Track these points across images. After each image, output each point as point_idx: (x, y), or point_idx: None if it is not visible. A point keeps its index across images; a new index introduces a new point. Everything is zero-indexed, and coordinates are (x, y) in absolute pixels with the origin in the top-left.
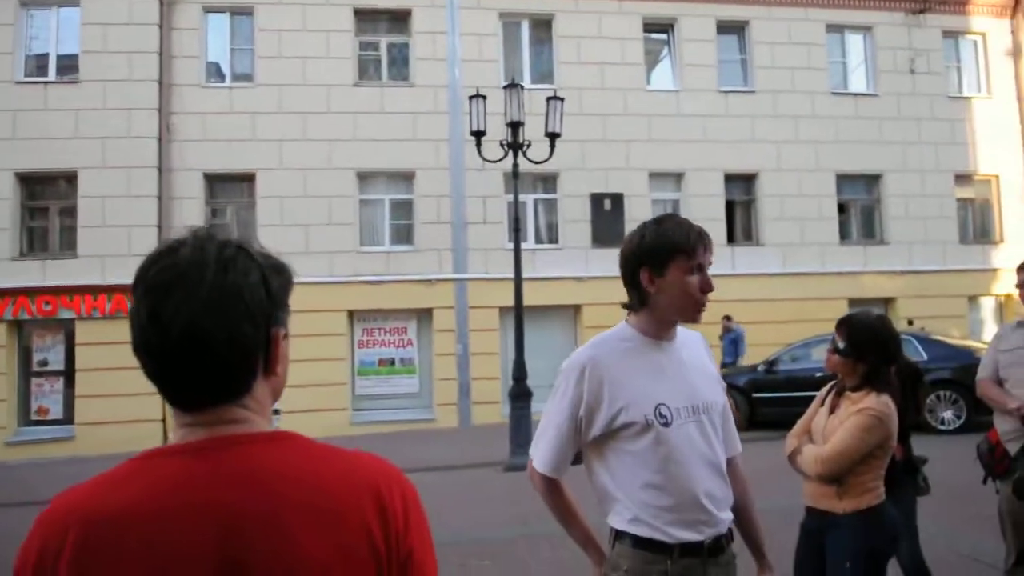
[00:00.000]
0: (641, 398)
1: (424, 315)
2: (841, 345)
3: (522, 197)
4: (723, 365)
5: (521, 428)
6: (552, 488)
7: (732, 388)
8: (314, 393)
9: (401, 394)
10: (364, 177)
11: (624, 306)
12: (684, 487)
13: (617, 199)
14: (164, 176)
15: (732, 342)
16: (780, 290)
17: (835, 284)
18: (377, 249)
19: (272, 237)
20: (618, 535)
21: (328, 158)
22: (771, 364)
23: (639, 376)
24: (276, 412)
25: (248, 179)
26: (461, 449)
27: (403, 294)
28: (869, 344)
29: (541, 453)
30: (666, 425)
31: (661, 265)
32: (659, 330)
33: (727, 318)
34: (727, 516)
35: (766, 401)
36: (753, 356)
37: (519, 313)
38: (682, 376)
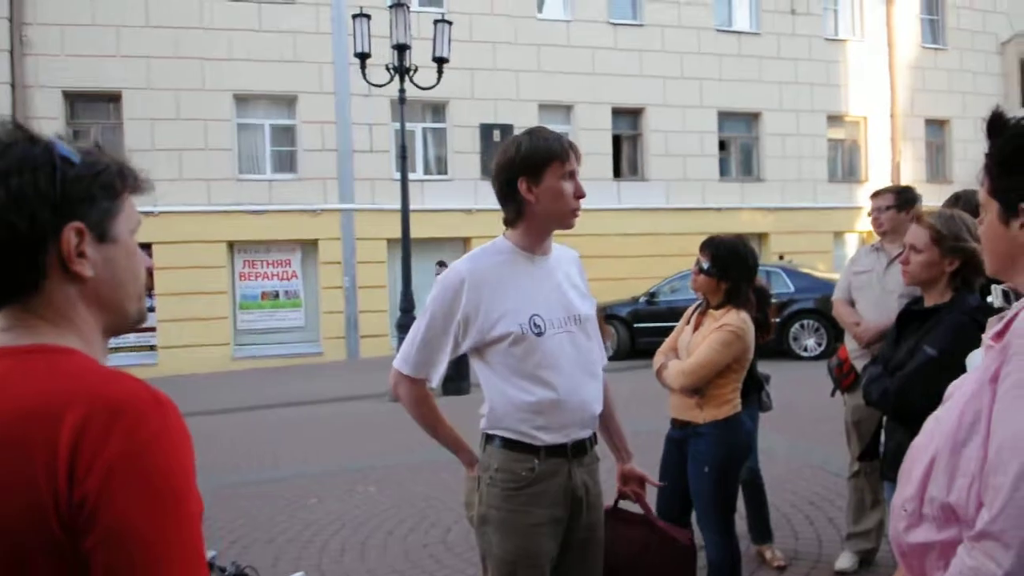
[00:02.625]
0: (517, 309)
1: (309, 247)
2: (705, 265)
3: (410, 126)
4: None
5: None
6: (416, 394)
7: (613, 318)
8: (193, 328)
9: (286, 328)
10: (242, 100)
11: (505, 222)
12: (556, 392)
13: (507, 130)
14: (18, 93)
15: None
16: (663, 225)
17: (714, 220)
18: (258, 177)
19: (142, 162)
20: (488, 438)
21: (202, 78)
22: (652, 296)
23: (515, 288)
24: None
25: (114, 99)
26: (348, 382)
27: (286, 225)
28: (731, 263)
29: (403, 354)
30: (539, 334)
31: (537, 173)
32: (534, 243)
33: (441, 264)
34: (594, 419)
35: (646, 331)
36: (636, 288)
37: (407, 245)
38: (556, 288)
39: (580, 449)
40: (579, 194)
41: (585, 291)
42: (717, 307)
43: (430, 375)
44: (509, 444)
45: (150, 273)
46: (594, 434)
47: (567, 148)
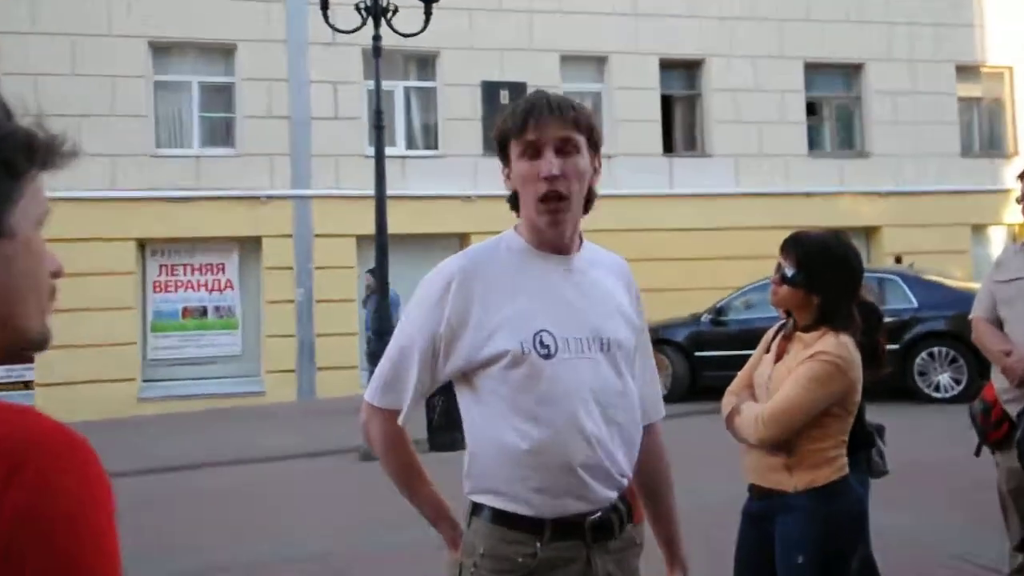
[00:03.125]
0: (519, 320)
1: (250, 246)
2: (789, 271)
3: (388, 84)
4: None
5: None
6: (387, 433)
7: (666, 345)
8: (86, 358)
9: (216, 358)
10: (161, 50)
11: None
12: (562, 439)
13: (518, 91)
14: None
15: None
16: (732, 216)
17: (802, 208)
18: (181, 153)
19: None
20: (473, 507)
21: (107, 20)
22: (718, 313)
23: (519, 293)
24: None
25: None
26: (303, 432)
27: (219, 217)
28: (825, 268)
29: (373, 380)
30: (546, 356)
31: (504, 153)
32: (542, 239)
33: (372, 273)
34: (621, 485)
35: (711, 362)
36: (697, 303)
37: (383, 244)
38: (579, 298)
39: (604, 528)
40: (542, 173)
41: (631, 313)
42: (807, 329)
43: (400, 403)
44: (501, 517)
45: (57, 277)
46: (627, 505)
47: (521, 113)
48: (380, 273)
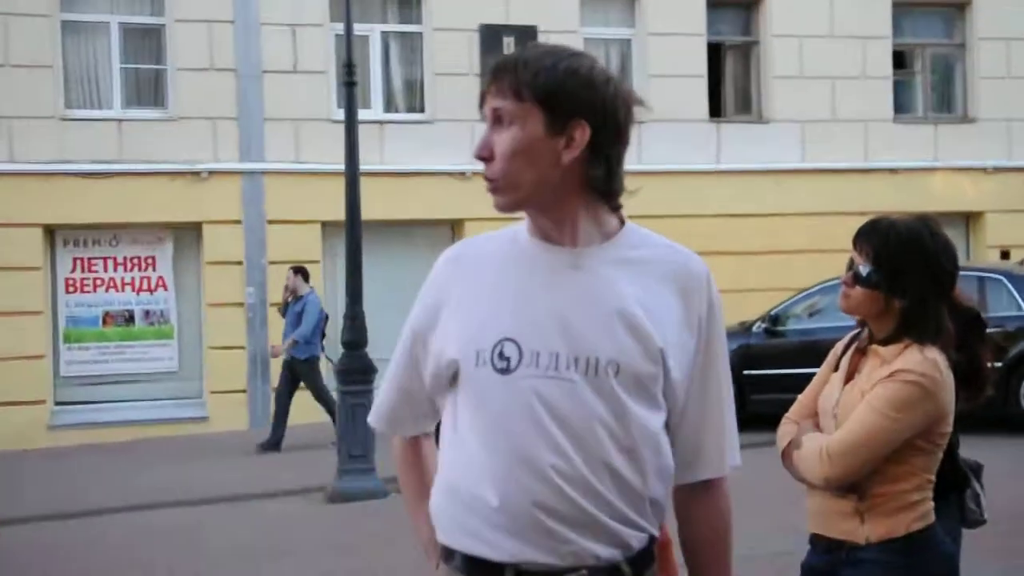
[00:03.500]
0: (480, 325)
1: (187, 235)
2: (864, 269)
3: (361, 28)
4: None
5: (357, 427)
6: (400, 452)
7: None
8: None
9: (147, 375)
10: None
11: None
12: (510, 471)
13: (525, 37)
14: None
15: (298, 315)
16: (794, 197)
17: (885, 189)
18: (98, 115)
19: None
20: (445, 554)
21: None
22: (774, 321)
23: (497, 293)
24: None
25: None
26: (255, 468)
27: (147, 197)
28: (910, 264)
29: (378, 396)
30: (504, 372)
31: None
32: (542, 227)
33: (296, 272)
34: (624, 542)
35: (765, 383)
36: (747, 308)
37: (354, 232)
38: (572, 304)
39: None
40: (476, 151)
41: (658, 330)
42: (886, 341)
43: (404, 426)
44: (469, 564)
45: None
46: (649, 551)
47: (486, 80)
48: (349, 267)
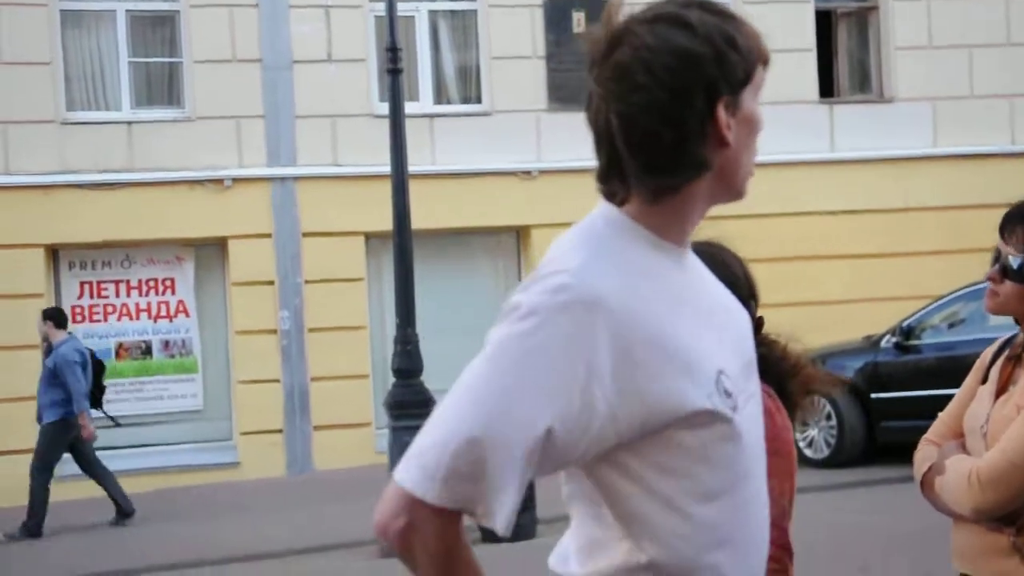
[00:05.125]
0: (695, 364)
1: (210, 252)
2: (1016, 261)
3: (406, 8)
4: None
5: None
6: (445, 545)
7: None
8: None
9: (167, 415)
10: None
11: (623, 187)
12: (751, 528)
13: (597, 7)
14: None
15: (52, 371)
16: (925, 190)
17: None
18: (105, 117)
19: None
20: None
21: None
22: (907, 334)
23: (679, 323)
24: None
25: None
26: (296, 519)
27: (163, 210)
28: None
29: (424, 459)
30: (735, 410)
31: (740, 87)
32: (687, 229)
33: (47, 317)
34: None
35: (898, 407)
36: (872, 320)
37: (403, 244)
38: (721, 310)
39: None
40: (761, 127)
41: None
42: None
43: (488, 508)
44: None
45: None
46: None
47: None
48: (399, 285)
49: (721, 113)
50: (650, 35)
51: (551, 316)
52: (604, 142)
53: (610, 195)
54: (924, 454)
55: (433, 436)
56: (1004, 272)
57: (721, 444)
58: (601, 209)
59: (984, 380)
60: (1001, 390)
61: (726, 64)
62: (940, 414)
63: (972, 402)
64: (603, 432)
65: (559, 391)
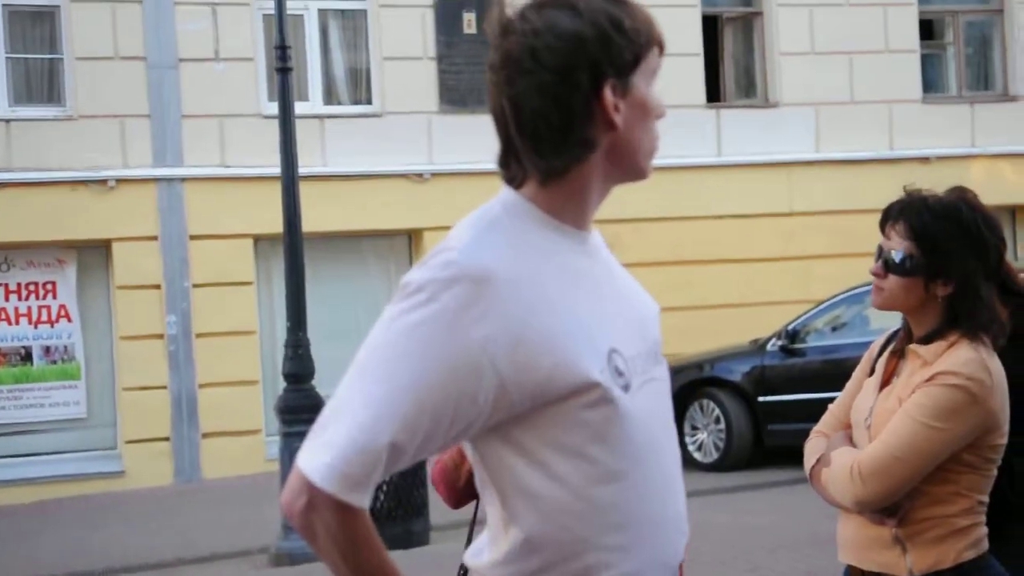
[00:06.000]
0: (586, 339)
1: (93, 255)
2: (898, 255)
3: (296, 6)
4: None
5: None
6: (351, 531)
7: (718, 386)
8: None
9: (49, 424)
10: None
11: (519, 171)
12: (652, 511)
13: (488, 9)
14: None
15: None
16: (810, 193)
17: (916, 180)
18: None
19: None
20: None
21: None
22: (792, 338)
23: (574, 299)
24: None
25: None
26: (184, 528)
27: (44, 210)
28: (952, 240)
29: (326, 451)
30: (626, 388)
31: (630, 70)
32: (586, 211)
33: None
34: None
35: (784, 410)
36: (760, 323)
37: (294, 247)
38: (622, 295)
39: None
40: (661, 112)
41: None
42: (929, 338)
43: (365, 494)
44: None
45: None
46: None
47: (651, 19)
48: (289, 288)
49: (608, 95)
50: (538, 20)
51: (438, 291)
52: (501, 128)
53: (510, 180)
54: (813, 446)
55: (334, 423)
56: (887, 266)
57: (615, 424)
58: (500, 194)
59: (872, 372)
60: (885, 383)
61: (611, 46)
62: (830, 406)
63: (859, 395)
64: (494, 402)
65: (447, 363)
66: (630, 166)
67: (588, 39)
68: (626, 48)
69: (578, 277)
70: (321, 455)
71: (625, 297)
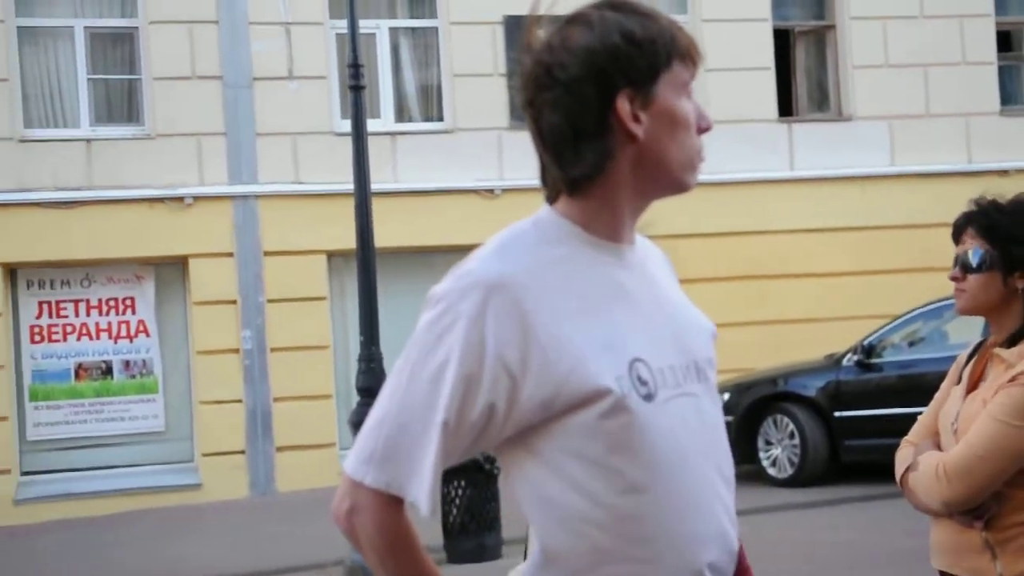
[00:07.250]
0: (605, 347)
1: (170, 271)
2: (975, 256)
3: (368, 25)
4: None
5: None
6: (387, 527)
7: (792, 401)
8: None
9: (128, 437)
10: None
11: (562, 188)
12: (678, 526)
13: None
14: None
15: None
16: (885, 208)
17: (995, 193)
18: (63, 135)
19: None
20: None
21: None
22: (868, 352)
23: (596, 308)
24: None
25: None
26: (259, 542)
27: (123, 228)
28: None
29: (361, 449)
30: (648, 398)
31: (650, 81)
32: (620, 224)
33: None
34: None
35: (862, 426)
36: (835, 338)
37: (367, 262)
38: (661, 308)
39: None
40: (704, 124)
41: (702, 315)
42: (1012, 340)
43: (410, 487)
44: None
45: None
46: None
47: (690, 39)
48: (363, 304)
49: (624, 106)
50: (555, 37)
51: (456, 300)
52: (536, 145)
53: (548, 196)
54: (902, 455)
55: (368, 423)
56: (964, 269)
57: (635, 434)
58: (538, 211)
59: (959, 381)
60: (971, 388)
61: (621, 57)
62: (920, 416)
63: (946, 402)
64: (513, 409)
65: (465, 370)
66: (664, 178)
67: (597, 51)
68: (639, 59)
69: (607, 288)
70: (353, 453)
71: (664, 311)
